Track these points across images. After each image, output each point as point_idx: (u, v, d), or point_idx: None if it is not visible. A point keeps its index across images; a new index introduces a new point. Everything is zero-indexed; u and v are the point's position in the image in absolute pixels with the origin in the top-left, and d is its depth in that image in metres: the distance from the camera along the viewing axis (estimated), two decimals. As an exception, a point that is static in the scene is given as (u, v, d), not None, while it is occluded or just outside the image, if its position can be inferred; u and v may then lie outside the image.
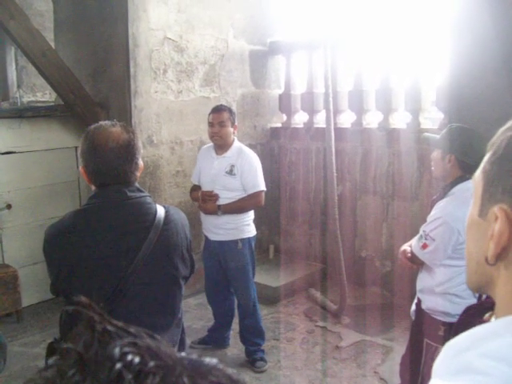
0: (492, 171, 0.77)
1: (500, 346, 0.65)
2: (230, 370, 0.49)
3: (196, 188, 4.30)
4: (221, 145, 4.08)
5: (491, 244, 0.75)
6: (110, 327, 0.46)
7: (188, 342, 3.32)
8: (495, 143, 0.78)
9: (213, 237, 4.16)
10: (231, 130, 4.06)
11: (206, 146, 4.38)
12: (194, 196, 4.26)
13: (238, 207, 4.05)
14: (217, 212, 4.03)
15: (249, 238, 4.18)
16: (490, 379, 0.62)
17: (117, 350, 0.44)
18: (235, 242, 4.10)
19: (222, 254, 4.17)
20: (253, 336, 4.30)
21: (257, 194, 4.07)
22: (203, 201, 4.09)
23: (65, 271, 1.89)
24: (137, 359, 0.43)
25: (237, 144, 4.15)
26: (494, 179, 0.76)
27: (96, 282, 1.85)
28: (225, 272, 4.25)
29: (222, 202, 4.05)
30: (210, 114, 4.08)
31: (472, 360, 0.66)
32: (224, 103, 5.31)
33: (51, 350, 0.48)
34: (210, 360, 0.48)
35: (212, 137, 4.07)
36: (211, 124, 4.04)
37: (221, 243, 4.13)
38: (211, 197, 4.06)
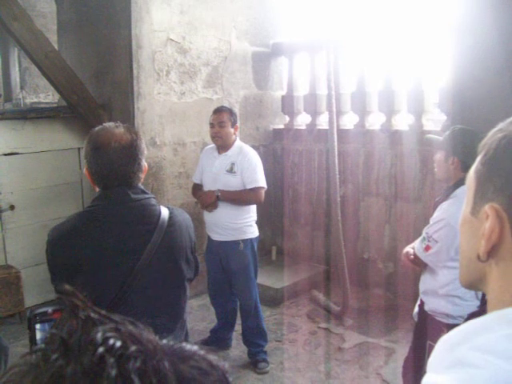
0: (483, 171, 0.80)
1: (491, 340, 0.67)
2: (211, 356, 0.50)
3: (197, 187, 4.34)
4: (222, 145, 4.14)
5: (483, 241, 0.77)
6: (93, 314, 0.48)
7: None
8: (486, 144, 0.81)
9: (215, 237, 4.19)
10: (232, 130, 4.12)
11: (209, 147, 4.41)
12: (202, 197, 4.28)
13: (236, 197, 4.07)
14: (215, 197, 4.05)
15: (251, 239, 4.19)
16: (482, 372, 0.64)
17: (99, 335, 0.45)
18: (237, 242, 4.11)
19: (223, 255, 4.19)
20: (255, 337, 4.31)
21: (256, 190, 4.09)
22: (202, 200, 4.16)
23: (69, 273, 1.89)
24: (118, 343, 0.45)
25: (238, 143, 4.20)
26: (485, 179, 0.79)
27: (100, 284, 1.84)
28: (227, 273, 4.26)
29: None
30: (211, 116, 4.15)
31: (464, 354, 0.68)
32: (227, 105, 5.32)
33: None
34: (191, 346, 0.50)
35: (213, 137, 4.14)
36: (212, 125, 4.11)
37: (223, 243, 4.15)
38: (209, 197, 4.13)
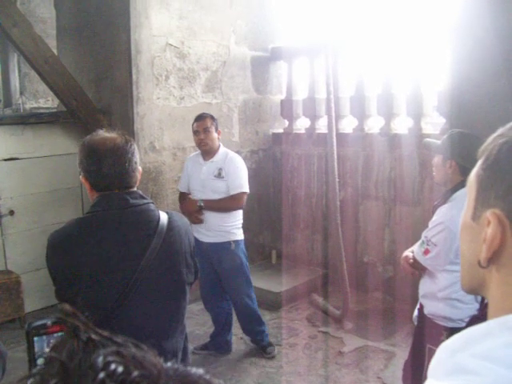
0: (484, 177, 0.79)
1: (493, 347, 0.67)
2: (217, 381, 0.49)
3: (183, 196, 4.41)
4: (208, 150, 4.22)
5: (484, 247, 0.76)
6: (94, 336, 0.46)
7: (190, 347, 3.31)
8: (487, 149, 0.80)
9: (205, 239, 4.24)
10: (216, 135, 4.21)
11: (192, 155, 4.54)
12: (185, 207, 4.31)
13: (218, 206, 4.18)
14: (197, 207, 4.14)
15: (240, 241, 4.31)
16: (482, 379, 0.64)
17: (100, 359, 0.43)
18: (228, 243, 4.22)
19: (215, 256, 4.26)
20: (255, 324, 4.47)
21: (238, 196, 4.20)
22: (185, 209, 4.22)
23: (68, 279, 1.89)
24: (120, 368, 0.43)
25: (223, 149, 4.30)
26: (486, 185, 0.78)
27: (100, 289, 1.84)
28: (218, 274, 4.33)
29: None
30: (193, 123, 4.23)
31: (465, 360, 0.67)
32: (226, 109, 5.36)
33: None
34: (197, 370, 0.48)
35: (199, 144, 4.22)
36: (196, 132, 4.19)
37: (214, 245, 4.22)
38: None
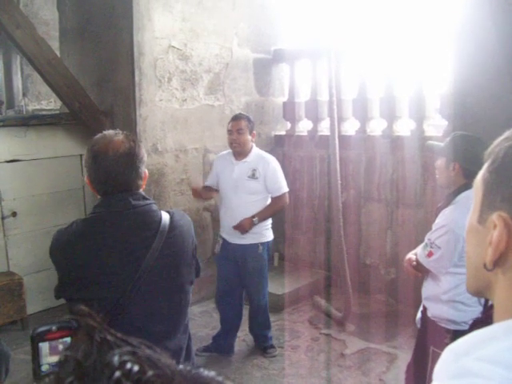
0: (491, 180, 0.79)
1: (498, 350, 0.67)
2: (229, 383, 0.49)
3: (205, 187, 4.48)
4: (239, 151, 4.24)
5: (489, 250, 0.76)
6: (109, 337, 0.46)
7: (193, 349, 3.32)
8: (493, 152, 0.80)
9: (234, 240, 4.28)
10: (249, 137, 4.24)
11: (223, 153, 4.49)
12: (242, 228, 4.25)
13: (270, 213, 4.29)
14: (252, 224, 4.17)
15: (268, 242, 4.37)
16: (488, 382, 0.64)
17: (116, 358, 0.44)
18: (256, 245, 4.27)
19: (242, 257, 4.30)
20: (263, 331, 4.55)
21: (282, 196, 4.32)
22: (239, 227, 4.19)
23: (70, 278, 1.90)
24: (136, 368, 0.43)
25: (256, 150, 4.33)
26: (493, 187, 0.78)
27: (101, 290, 1.85)
28: (241, 274, 4.37)
29: (245, 205, 4.20)
30: (229, 123, 4.27)
31: (471, 364, 0.67)
32: (228, 111, 5.37)
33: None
34: (209, 372, 0.49)
35: (231, 144, 4.24)
36: (230, 132, 4.22)
37: (242, 246, 4.26)
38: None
